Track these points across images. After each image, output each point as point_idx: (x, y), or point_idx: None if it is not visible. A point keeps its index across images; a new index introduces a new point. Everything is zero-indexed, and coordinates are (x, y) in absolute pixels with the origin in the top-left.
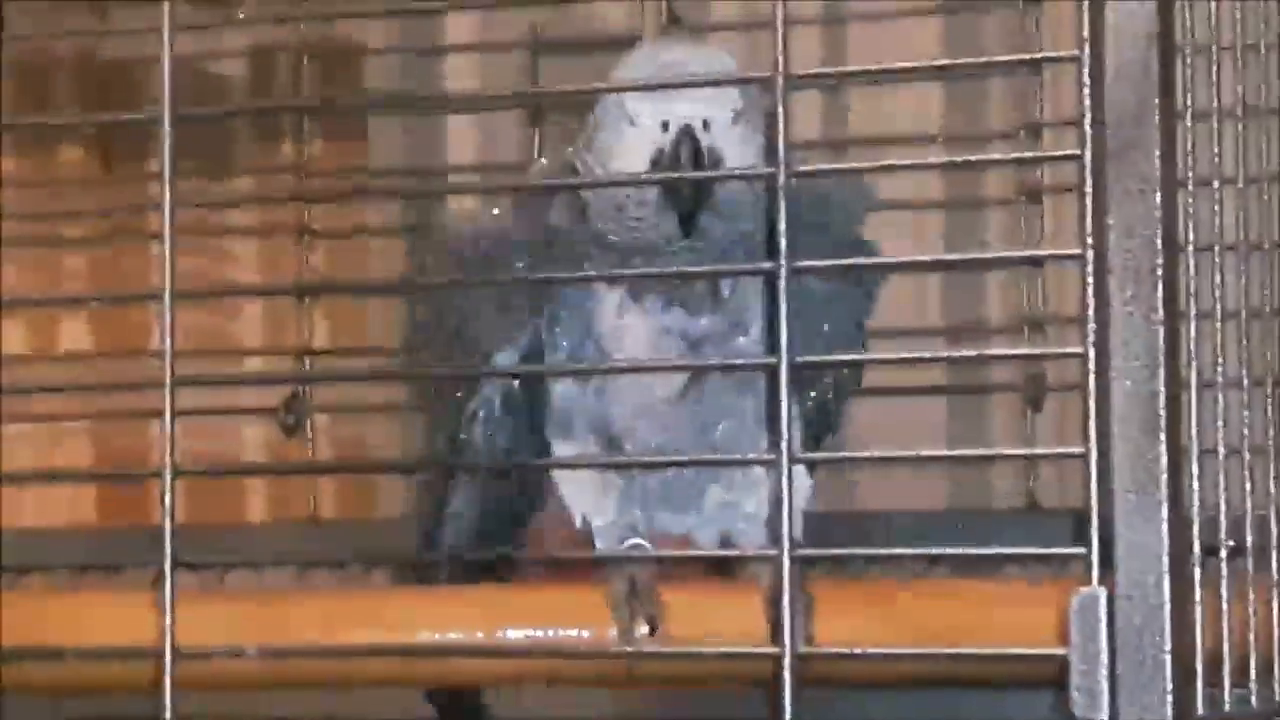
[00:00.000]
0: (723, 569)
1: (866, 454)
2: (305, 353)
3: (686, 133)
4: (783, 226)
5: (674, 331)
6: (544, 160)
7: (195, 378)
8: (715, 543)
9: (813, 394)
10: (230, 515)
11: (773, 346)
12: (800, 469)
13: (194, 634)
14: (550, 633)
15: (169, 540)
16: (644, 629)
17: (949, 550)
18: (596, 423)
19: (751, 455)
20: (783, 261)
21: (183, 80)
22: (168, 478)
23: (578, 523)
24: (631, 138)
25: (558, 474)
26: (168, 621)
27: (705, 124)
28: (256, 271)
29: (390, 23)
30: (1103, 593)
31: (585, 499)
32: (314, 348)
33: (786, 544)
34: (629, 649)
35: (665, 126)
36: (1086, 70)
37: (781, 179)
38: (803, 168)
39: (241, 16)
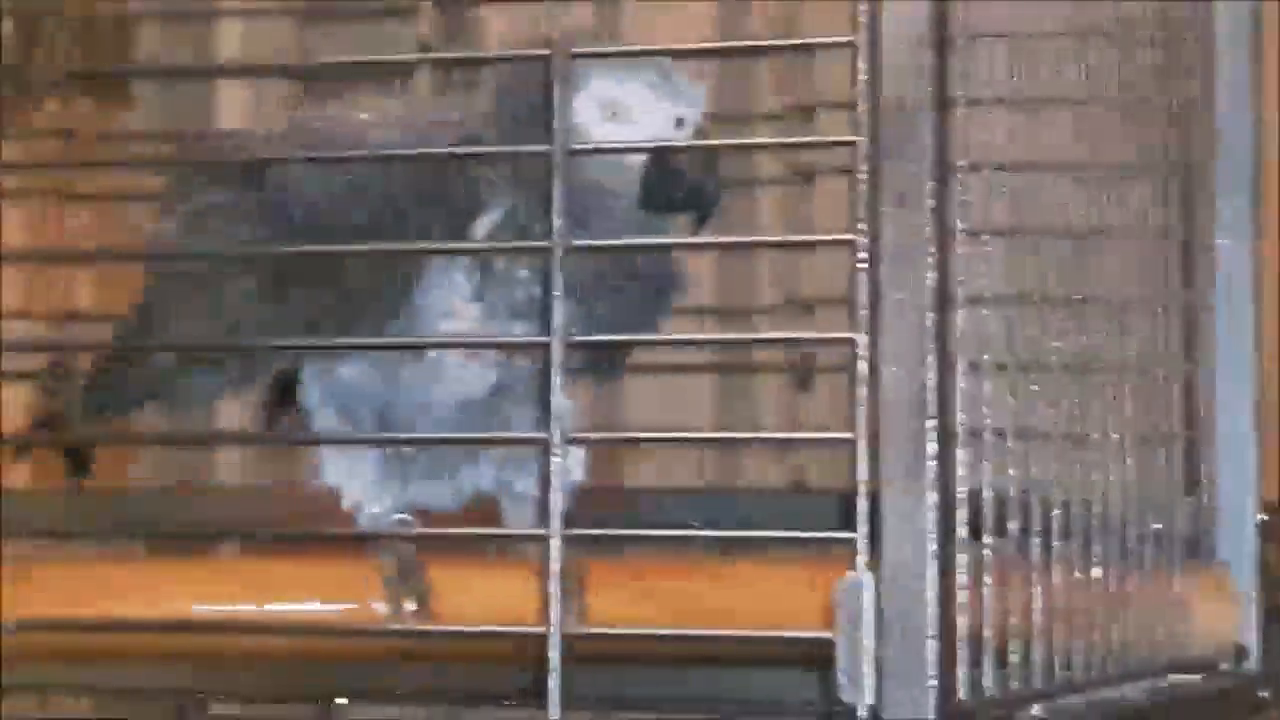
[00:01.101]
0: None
1: (636, 435)
2: (68, 317)
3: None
4: (558, 204)
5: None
6: None
7: None
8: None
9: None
10: None
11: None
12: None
13: None
14: (319, 608)
15: None
16: (412, 606)
17: (717, 534)
18: (384, 408)
19: (521, 435)
20: (556, 239)
21: None
22: None
23: (346, 503)
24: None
25: (325, 452)
26: None
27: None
28: (20, 230)
29: None
30: (868, 578)
31: (351, 476)
32: (77, 311)
33: (556, 524)
34: (396, 626)
35: (680, 123)
36: (862, 57)
37: (557, 156)
38: (578, 146)
39: None
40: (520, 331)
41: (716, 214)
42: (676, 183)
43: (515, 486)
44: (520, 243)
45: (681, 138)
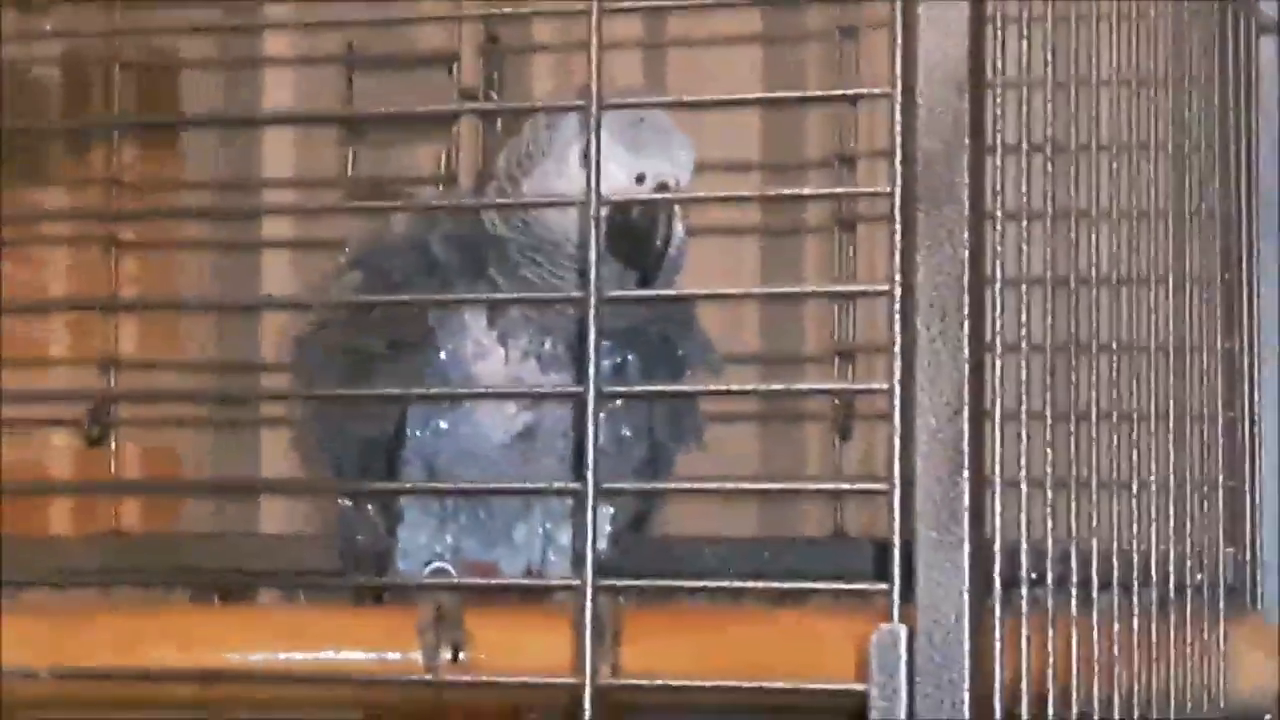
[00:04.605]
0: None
1: (672, 485)
2: (111, 363)
3: (665, 188)
4: (593, 258)
5: (524, 380)
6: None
7: None
8: (520, 573)
9: (651, 434)
10: (32, 523)
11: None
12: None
13: None
14: (354, 656)
15: None
16: (448, 655)
17: (753, 585)
18: (428, 457)
19: (557, 485)
20: (592, 291)
21: None
22: None
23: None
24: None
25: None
26: None
27: (675, 185)
28: (66, 276)
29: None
30: (903, 630)
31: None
32: (120, 359)
33: (590, 574)
34: (431, 676)
35: (640, 179)
36: (898, 108)
37: (593, 209)
38: (614, 198)
39: (49, 29)
40: (552, 377)
41: (658, 275)
42: (628, 238)
43: (558, 536)
44: (557, 295)
45: (641, 192)
